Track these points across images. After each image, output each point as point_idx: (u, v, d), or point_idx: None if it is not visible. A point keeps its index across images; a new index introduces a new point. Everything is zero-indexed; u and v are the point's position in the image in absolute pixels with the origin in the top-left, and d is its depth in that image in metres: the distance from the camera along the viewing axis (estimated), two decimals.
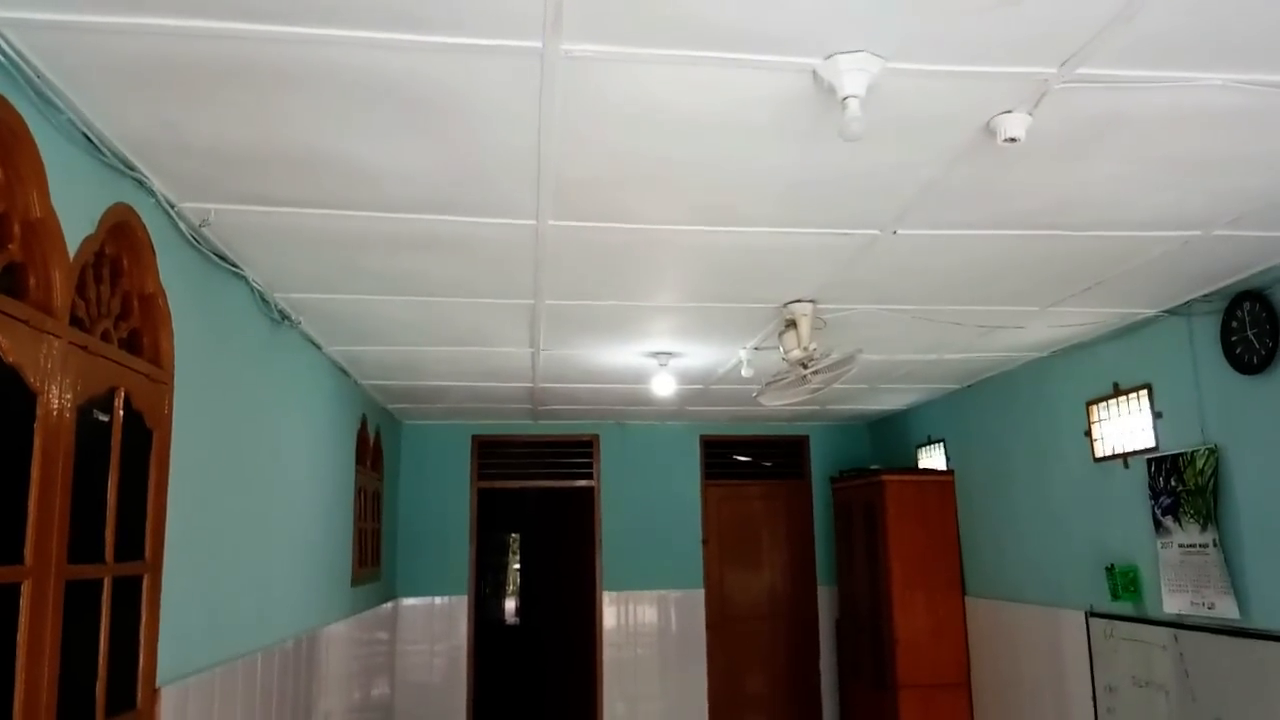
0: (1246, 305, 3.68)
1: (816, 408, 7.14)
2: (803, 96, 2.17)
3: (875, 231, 3.15)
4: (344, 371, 5.27)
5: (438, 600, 7.45)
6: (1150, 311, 4.23)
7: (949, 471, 6.50)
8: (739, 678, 7.76)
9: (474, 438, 7.69)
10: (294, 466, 4.27)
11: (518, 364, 5.24)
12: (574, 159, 2.54)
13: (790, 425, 8.07)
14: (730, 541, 7.94)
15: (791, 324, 4.07)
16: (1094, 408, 4.78)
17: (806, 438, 8.16)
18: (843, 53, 1.98)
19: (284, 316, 4.04)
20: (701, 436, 7.97)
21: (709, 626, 7.70)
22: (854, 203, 2.90)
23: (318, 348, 4.68)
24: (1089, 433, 4.81)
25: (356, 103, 2.21)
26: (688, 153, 2.50)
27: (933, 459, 6.81)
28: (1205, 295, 3.91)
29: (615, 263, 3.49)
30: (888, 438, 7.76)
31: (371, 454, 6.14)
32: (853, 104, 2.01)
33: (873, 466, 7.01)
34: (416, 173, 2.62)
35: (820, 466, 8.06)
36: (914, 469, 6.88)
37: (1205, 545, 3.88)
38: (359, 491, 5.64)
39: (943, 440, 6.67)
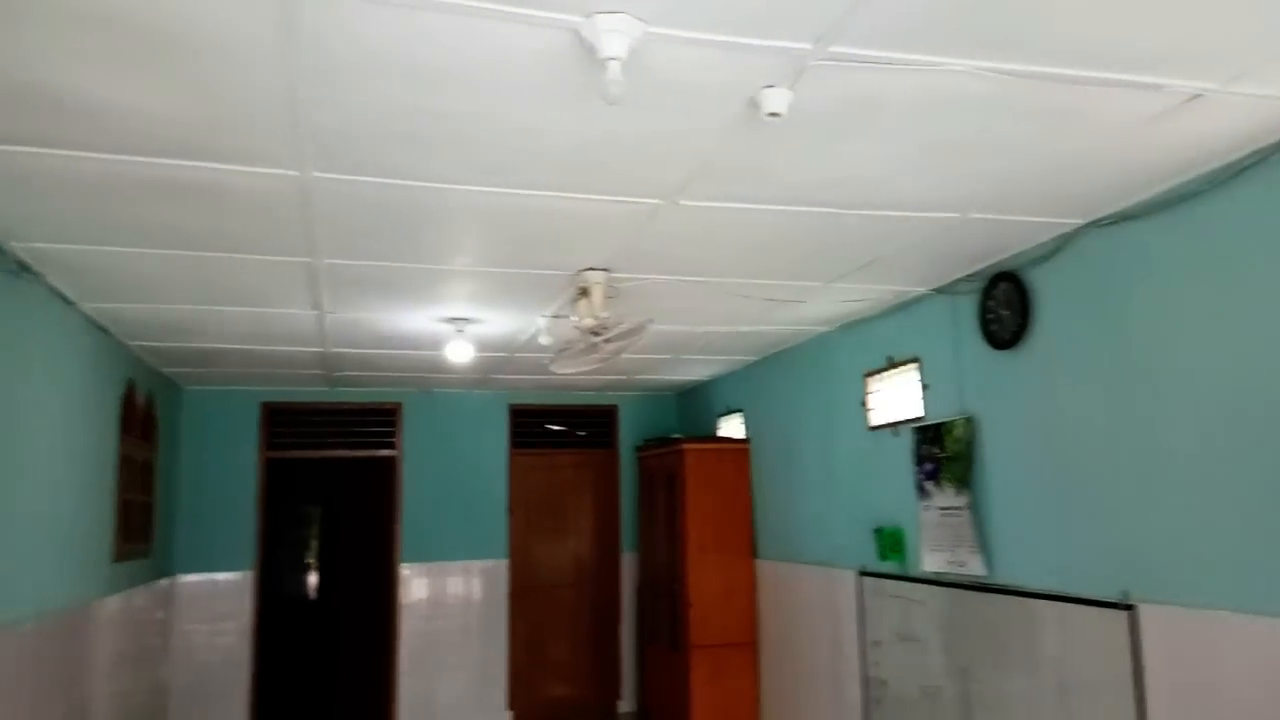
0: (1002, 286, 3.96)
1: (624, 378, 7.20)
2: (568, 56, 2.12)
3: (658, 201, 3.16)
4: (104, 330, 4.83)
5: (221, 577, 7.03)
6: (921, 290, 4.49)
7: (745, 440, 6.72)
8: (542, 646, 7.79)
9: (264, 405, 7.27)
10: (34, 433, 3.87)
11: (303, 327, 4.97)
12: (331, 106, 2.39)
13: (600, 395, 8.12)
14: (537, 511, 7.92)
15: (584, 292, 4.05)
16: (870, 379, 5.05)
17: (616, 407, 8.23)
18: (602, 12, 1.94)
19: (23, 268, 3.64)
20: (510, 405, 7.88)
21: (512, 596, 7.67)
22: (635, 170, 2.88)
23: (69, 304, 4.25)
24: (864, 403, 5.08)
25: (80, 31, 1.98)
26: (453, 107, 2.40)
27: (732, 428, 7.02)
28: (968, 275, 4.19)
29: (399, 222, 3.34)
30: (693, 408, 7.94)
31: (141, 421, 5.68)
32: (613, 66, 1.97)
33: (674, 435, 7.15)
34: (158, 113, 2.39)
35: (629, 436, 8.16)
36: (713, 438, 7.08)
37: (960, 508, 4.19)
38: (123, 462, 5.20)
39: (741, 410, 6.89)
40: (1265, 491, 2.75)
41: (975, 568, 4.09)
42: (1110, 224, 3.38)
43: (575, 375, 4.96)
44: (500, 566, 7.67)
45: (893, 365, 4.85)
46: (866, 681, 4.99)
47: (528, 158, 2.75)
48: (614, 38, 1.94)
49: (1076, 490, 3.55)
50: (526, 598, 7.75)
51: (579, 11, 1.95)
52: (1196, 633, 2.98)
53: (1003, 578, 3.95)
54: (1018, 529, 3.89)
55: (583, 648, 7.92)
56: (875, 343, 5.00)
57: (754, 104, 2.36)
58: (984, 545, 4.06)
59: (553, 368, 4.45)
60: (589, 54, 2.04)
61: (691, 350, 6.09)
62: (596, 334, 4.01)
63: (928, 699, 4.45)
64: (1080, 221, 3.48)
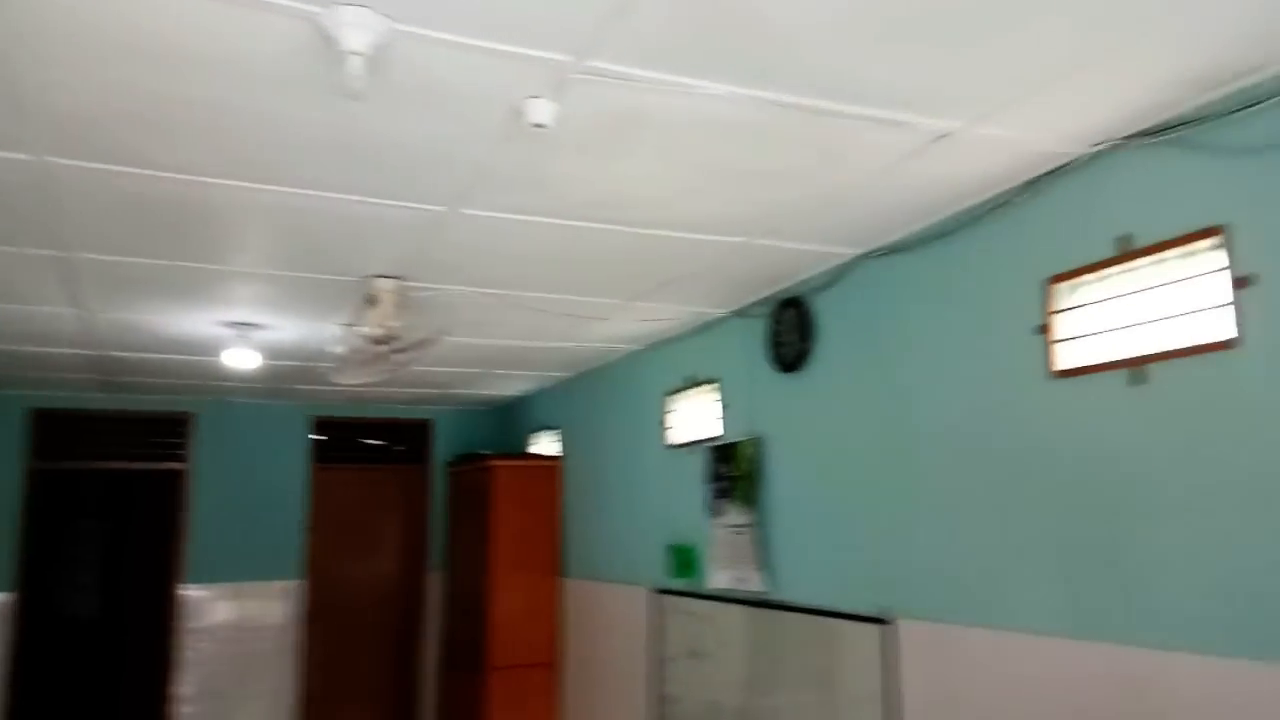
0: (789, 311, 4.10)
1: (438, 391, 7.02)
2: (312, 47, 2.02)
3: (440, 208, 3.07)
4: None
5: None
6: (721, 312, 4.59)
7: (558, 458, 6.68)
8: (338, 669, 7.45)
9: (32, 411, 6.65)
10: None
11: (65, 327, 4.57)
12: (61, 88, 2.19)
13: (413, 409, 7.88)
14: (342, 528, 7.59)
15: (373, 300, 3.90)
16: (670, 399, 5.12)
17: (430, 422, 8.01)
18: (344, 4, 1.86)
19: None
20: (314, 418, 7.53)
21: (310, 618, 7.30)
22: (410, 175, 2.79)
23: None
24: (663, 422, 5.15)
25: None
26: (197, 93, 2.24)
27: (547, 445, 6.97)
28: (760, 300, 4.31)
29: (161, 216, 3.11)
30: (509, 423, 7.83)
31: None
32: (354, 61, 1.89)
33: (484, 452, 7.02)
34: None
35: (443, 451, 7.96)
36: (524, 455, 7.00)
37: (746, 525, 4.28)
38: None
39: (557, 427, 6.85)
40: (1003, 516, 2.94)
41: (756, 584, 4.19)
42: (881, 255, 3.55)
43: (358, 386, 4.78)
44: (296, 587, 7.28)
45: (693, 385, 4.93)
46: (659, 699, 5.02)
47: (288, 153, 2.61)
48: (355, 31, 1.86)
49: (848, 510, 3.69)
50: (325, 619, 7.39)
51: (318, 2, 1.86)
52: (947, 646, 3.14)
53: (781, 594, 4.06)
54: (796, 546, 4.01)
55: (383, 671, 7.63)
56: (678, 363, 5.08)
57: (518, 113, 2.32)
58: (765, 562, 4.16)
59: (337, 378, 4.27)
60: (331, 47, 1.95)
61: (501, 365, 6.00)
62: (384, 343, 3.86)
63: (713, 715, 4.51)
64: (855, 252, 3.64)
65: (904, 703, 3.30)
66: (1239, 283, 2.29)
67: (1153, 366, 2.50)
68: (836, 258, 3.72)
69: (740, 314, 4.49)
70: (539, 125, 2.30)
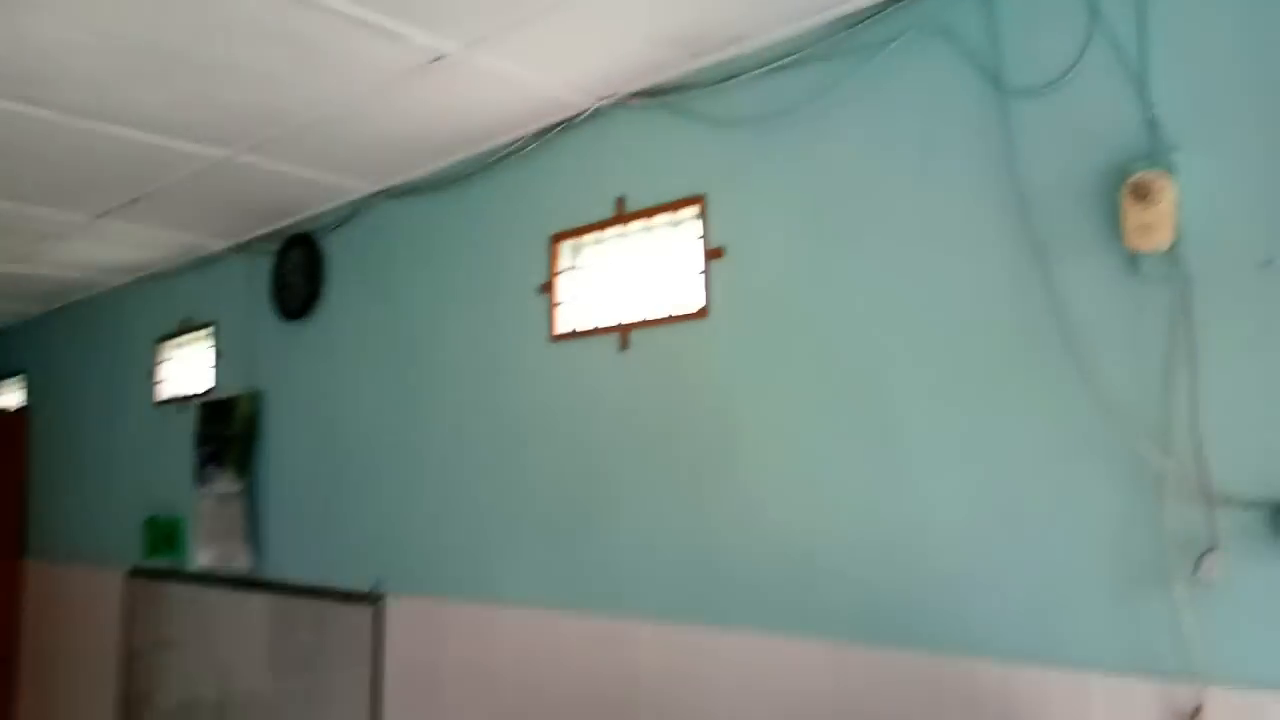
0: (297, 250, 3.60)
1: None
2: None
3: None
4: None
5: None
6: (219, 245, 3.95)
7: (20, 411, 5.46)
8: None
9: None
10: None
11: None
12: None
13: None
14: None
15: None
16: (163, 345, 4.35)
17: None
18: None
19: None
20: None
21: None
22: None
23: None
24: (153, 373, 4.37)
25: None
26: None
27: (10, 396, 5.68)
28: (266, 235, 3.75)
29: None
30: None
31: None
32: None
33: None
34: None
35: None
36: None
37: (236, 495, 3.72)
38: None
39: (24, 372, 5.60)
40: (501, 486, 2.76)
41: (244, 562, 3.66)
42: (398, 195, 3.21)
43: None
44: None
45: (187, 330, 4.21)
46: (128, 697, 4.26)
47: None
48: None
49: (347, 478, 3.32)
50: None
51: None
52: (434, 621, 2.91)
53: (271, 572, 3.58)
54: (290, 519, 3.55)
55: None
56: (172, 303, 4.31)
57: None
58: (255, 537, 3.65)
59: None
60: None
61: None
62: None
63: (189, 712, 3.90)
64: (370, 188, 3.26)
65: (386, 682, 3.03)
66: (712, 254, 2.29)
67: (637, 333, 2.44)
68: (349, 192, 3.30)
69: (243, 250, 3.89)
70: None
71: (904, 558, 1.93)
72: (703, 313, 2.29)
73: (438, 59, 2.28)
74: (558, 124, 2.66)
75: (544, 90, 2.47)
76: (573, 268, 2.65)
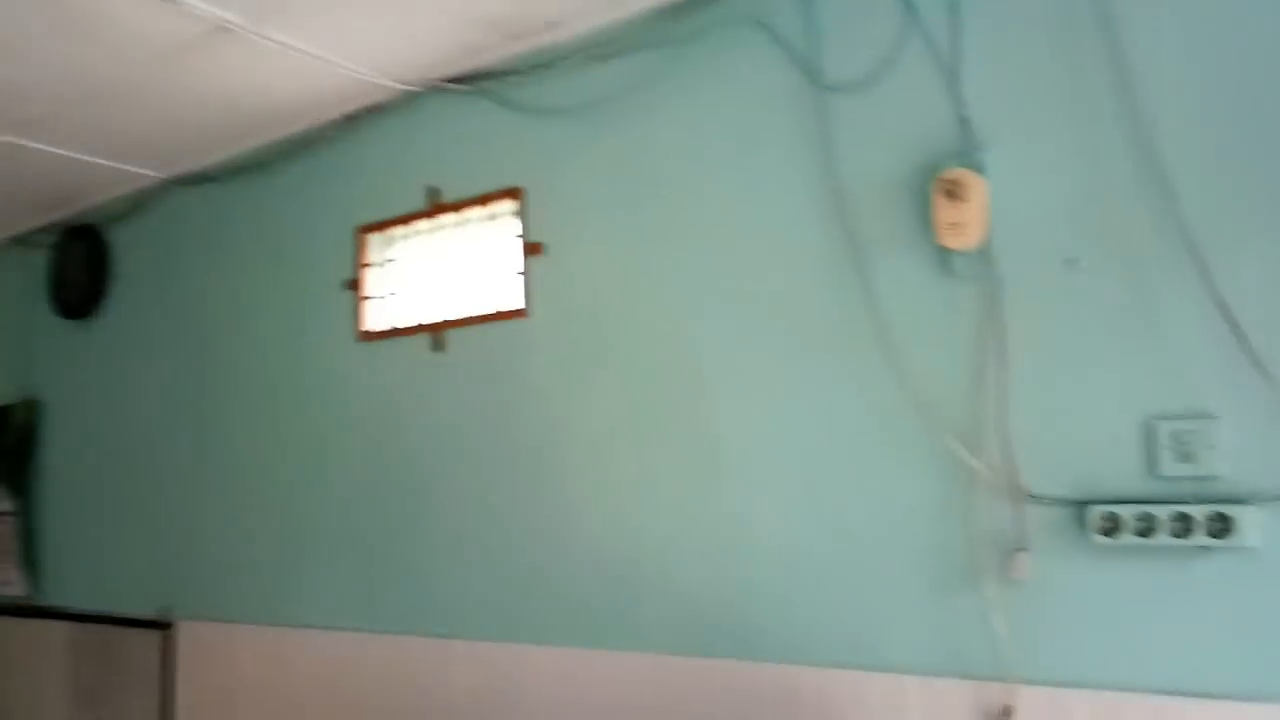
0: (79, 243, 3.23)
1: None
2: None
3: None
4: None
5: None
6: None
7: None
8: None
9: None
10: None
11: None
12: None
13: None
14: None
15: None
16: None
17: None
18: None
19: None
20: None
21: None
22: None
23: None
24: None
25: None
26: None
27: None
28: (42, 226, 3.35)
29: None
30: None
31: None
32: None
33: None
34: None
35: None
36: None
37: (10, 514, 3.32)
38: None
39: None
40: (306, 504, 2.54)
41: (19, 588, 3.26)
42: (191, 183, 2.91)
43: None
44: None
45: None
46: None
47: None
48: None
49: (134, 493, 3.00)
50: None
51: None
52: (223, 645, 2.66)
53: (54, 597, 3.21)
54: (72, 539, 3.19)
55: None
56: None
57: None
58: (31, 560, 3.26)
59: None
60: None
61: None
62: None
63: None
64: (159, 175, 2.95)
65: (178, 714, 2.75)
66: (531, 249, 2.16)
67: (452, 332, 2.28)
68: (134, 179, 2.98)
69: (18, 243, 3.47)
70: None
71: (725, 565, 1.87)
72: (521, 312, 2.16)
73: (221, 29, 2.05)
74: (365, 109, 2.46)
75: (348, 71, 2.28)
76: (383, 262, 2.46)
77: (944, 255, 1.66)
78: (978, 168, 1.61)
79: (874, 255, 1.74)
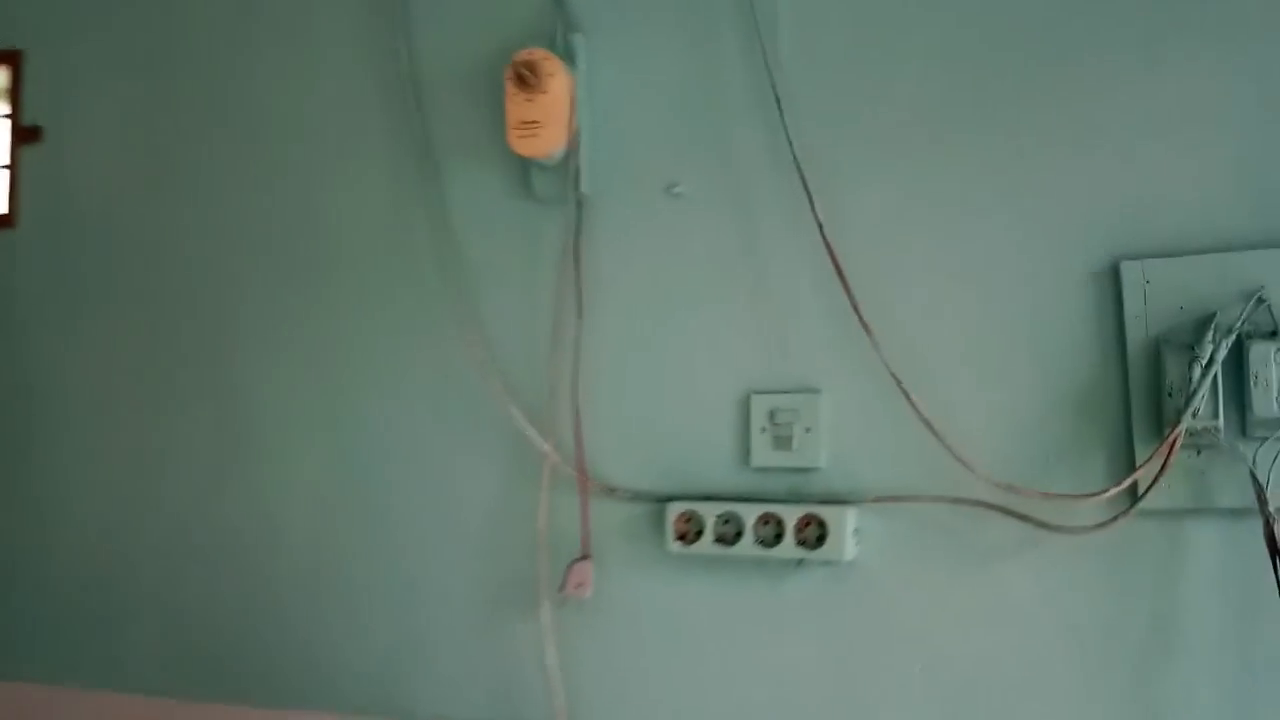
0: None
1: None
2: None
3: None
4: None
5: None
6: None
7: None
8: None
9: None
10: None
11: None
12: None
13: None
14: None
15: None
16: None
17: None
18: None
19: None
20: None
21: None
22: None
23: None
24: None
25: None
26: None
27: None
28: None
29: None
30: None
31: None
32: None
33: None
34: None
35: None
36: None
37: None
38: None
39: None
40: None
41: None
42: None
43: None
44: None
45: None
46: None
47: None
48: None
49: None
50: None
51: None
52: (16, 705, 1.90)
53: None
54: None
55: None
56: None
57: None
58: None
59: None
60: None
61: None
62: None
63: None
64: None
65: None
66: (26, 134, 1.58)
67: None
68: None
69: None
70: None
71: (243, 578, 1.39)
72: (7, 219, 1.58)
73: None
74: None
75: None
76: None
77: (525, 168, 1.26)
78: (566, 55, 1.22)
79: (451, 167, 1.32)
